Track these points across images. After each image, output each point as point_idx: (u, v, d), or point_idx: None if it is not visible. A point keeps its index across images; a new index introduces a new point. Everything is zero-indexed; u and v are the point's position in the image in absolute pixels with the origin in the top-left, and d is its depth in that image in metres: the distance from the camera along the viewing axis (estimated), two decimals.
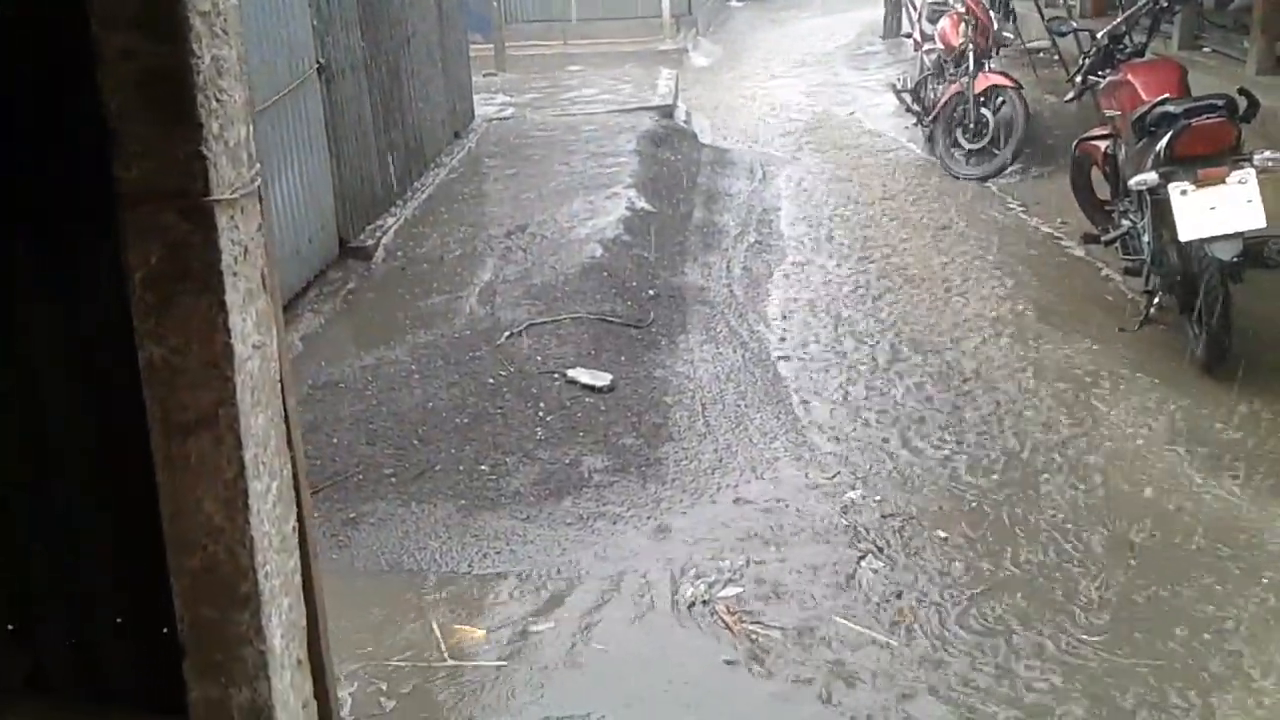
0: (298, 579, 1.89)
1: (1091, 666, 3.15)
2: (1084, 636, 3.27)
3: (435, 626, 3.44)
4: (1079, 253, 6.46)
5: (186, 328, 1.64)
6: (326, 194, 6.51)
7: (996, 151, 8.19)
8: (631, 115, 9.82)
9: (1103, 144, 5.76)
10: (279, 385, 1.83)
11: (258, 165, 1.74)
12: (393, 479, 4.33)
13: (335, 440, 4.56)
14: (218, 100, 1.61)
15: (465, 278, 6.29)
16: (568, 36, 14.38)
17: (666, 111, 10.21)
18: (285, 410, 1.85)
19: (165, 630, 1.83)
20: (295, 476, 1.89)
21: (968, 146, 8.37)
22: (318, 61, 6.37)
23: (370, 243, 6.87)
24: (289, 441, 1.87)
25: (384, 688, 3.17)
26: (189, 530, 1.73)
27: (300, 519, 1.90)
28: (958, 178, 8.25)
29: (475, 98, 10.17)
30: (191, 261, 1.63)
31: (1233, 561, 3.59)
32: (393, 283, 6.40)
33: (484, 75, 11.74)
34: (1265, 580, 3.47)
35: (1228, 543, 3.68)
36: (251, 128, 1.73)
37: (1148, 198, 4.91)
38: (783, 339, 5.58)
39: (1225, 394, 4.65)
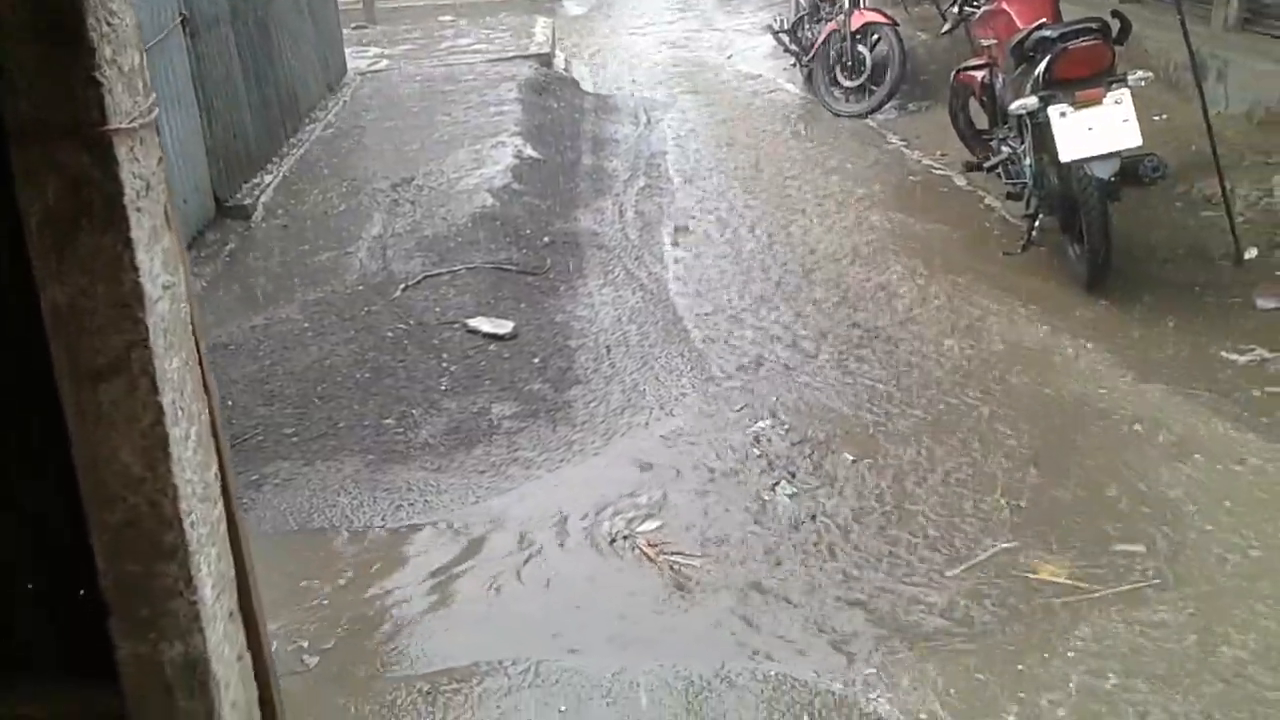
0: (223, 528, 1.82)
1: None
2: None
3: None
4: (960, 182, 6.62)
5: (91, 268, 1.55)
6: (198, 152, 6.24)
7: (875, 88, 8.31)
8: (510, 64, 9.65)
9: (980, 74, 5.89)
10: (190, 326, 1.75)
11: (154, 94, 1.64)
12: (294, 439, 4.21)
13: (230, 403, 4.41)
14: (109, 23, 1.51)
15: (353, 232, 6.13)
16: None
17: (545, 60, 10.07)
18: (199, 352, 1.77)
19: (82, 592, 1.74)
20: (213, 422, 1.81)
21: (846, 84, 8.47)
22: (181, 14, 6.08)
23: (249, 201, 6.63)
24: (204, 386, 1.79)
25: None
26: (107, 482, 1.64)
27: (221, 466, 1.82)
28: (838, 115, 8.35)
29: (347, 51, 9.87)
30: (92, 197, 1.53)
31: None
32: (276, 241, 6.19)
33: (354, 28, 11.39)
34: None
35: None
36: (144, 55, 1.63)
37: (1028, 122, 5.04)
38: (680, 278, 5.59)
39: (1104, 306, 4.85)
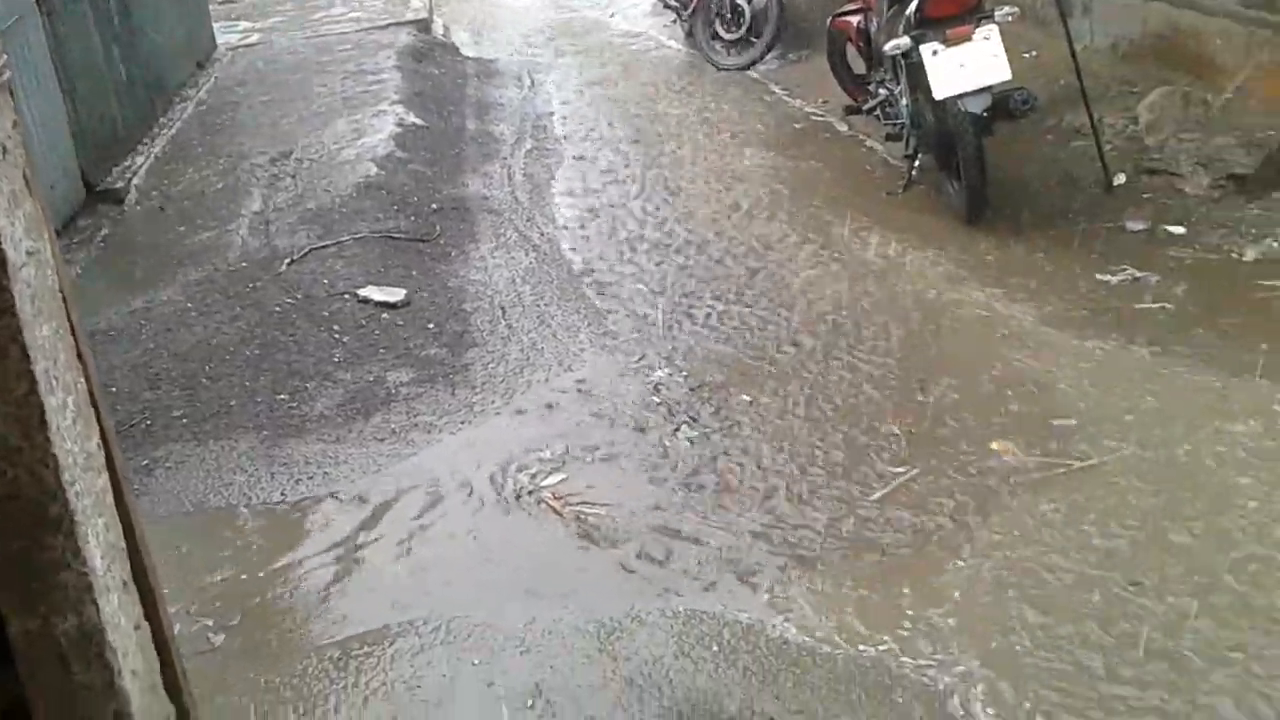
0: (109, 499, 1.77)
1: None
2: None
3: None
4: (842, 128, 6.72)
5: None
6: (63, 136, 6.00)
7: (755, 40, 8.36)
8: (387, 32, 9.45)
9: (855, 19, 5.97)
10: (60, 295, 1.69)
11: (4, 57, 1.58)
12: (184, 421, 4.11)
13: (114, 389, 4.29)
14: None
15: (232, 210, 5.97)
16: None
17: (423, 26, 9.88)
18: (70, 321, 1.71)
19: None
20: (91, 391, 1.76)
21: (727, 37, 8.51)
22: None
23: (120, 184, 6.41)
24: (79, 354, 1.74)
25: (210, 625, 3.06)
26: None
27: (103, 435, 1.77)
28: (721, 68, 8.39)
29: (215, 26, 9.55)
30: None
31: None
32: (152, 223, 6.00)
33: (221, 2, 11.00)
34: None
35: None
36: None
37: (902, 62, 5.14)
38: (572, 238, 5.58)
39: (984, 238, 5.01)
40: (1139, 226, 4.96)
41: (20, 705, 1.74)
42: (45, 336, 1.64)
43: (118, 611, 1.75)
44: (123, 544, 1.82)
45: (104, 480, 1.79)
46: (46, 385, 1.63)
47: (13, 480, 1.62)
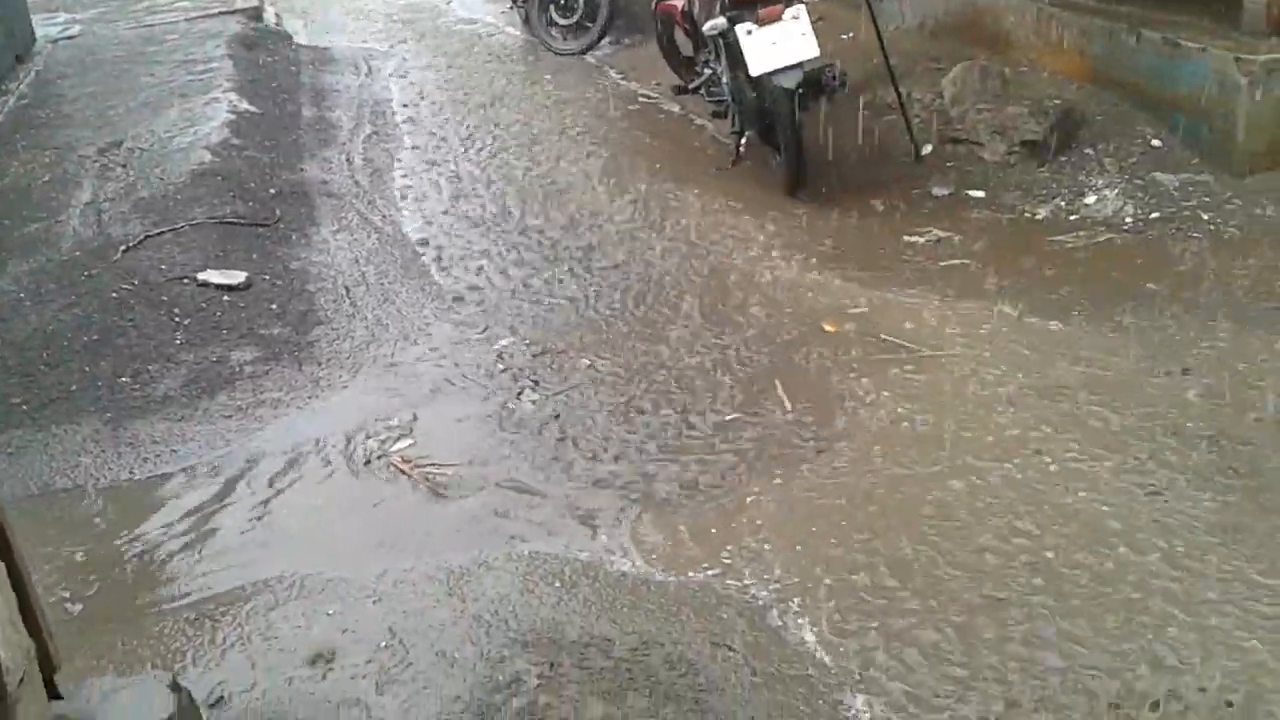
0: None
1: None
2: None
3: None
4: (674, 109, 6.99)
5: None
6: None
7: (589, 25, 8.57)
8: (216, 20, 9.28)
9: (679, 2, 6.23)
10: None
11: None
12: (24, 407, 4.09)
13: None
14: None
15: (61, 201, 5.85)
16: None
17: (254, 14, 9.72)
18: None
19: None
20: None
21: (562, 23, 8.69)
22: None
23: None
24: None
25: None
26: None
27: None
28: (558, 54, 8.57)
29: (33, 18, 9.21)
30: None
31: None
32: None
33: None
34: None
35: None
36: None
37: (721, 42, 5.43)
38: (414, 218, 5.69)
39: (804, 206, 5.35)
40: (944, 192, 5.38)
41: None
42: None
43: None
44: None
45: None
46: None
47: None
